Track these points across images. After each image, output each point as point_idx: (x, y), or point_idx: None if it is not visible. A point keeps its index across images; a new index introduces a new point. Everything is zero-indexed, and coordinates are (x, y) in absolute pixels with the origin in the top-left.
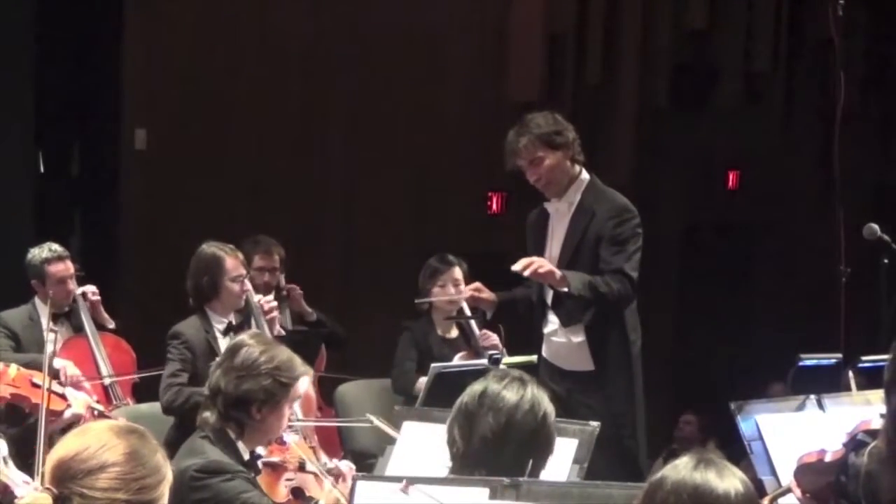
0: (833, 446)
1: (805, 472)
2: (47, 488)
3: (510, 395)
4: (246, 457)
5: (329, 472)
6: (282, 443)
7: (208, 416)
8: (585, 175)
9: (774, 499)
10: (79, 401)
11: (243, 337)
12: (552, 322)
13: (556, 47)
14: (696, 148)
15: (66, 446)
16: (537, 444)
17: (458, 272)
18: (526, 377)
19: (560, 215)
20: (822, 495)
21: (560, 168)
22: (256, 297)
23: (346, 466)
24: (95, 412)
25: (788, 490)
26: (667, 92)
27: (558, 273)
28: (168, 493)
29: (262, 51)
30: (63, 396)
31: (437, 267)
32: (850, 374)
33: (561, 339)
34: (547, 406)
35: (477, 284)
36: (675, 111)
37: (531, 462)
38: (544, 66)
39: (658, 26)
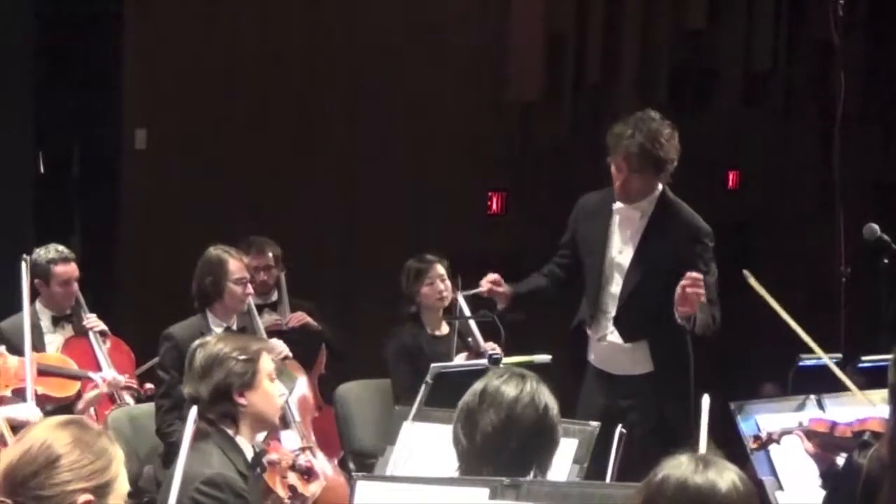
0: (843, 420)
1: (811, 435)
2: (1, 501)
3: (509, 389)
4: (249, 453)
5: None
6: (275, 439)
7: (203, 424)
8: (659, 185)
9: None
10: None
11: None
12: (604, 327)
13: (556, 47)
14: (696, 148)
15: (8, 455)
16: (540, 437)
17: (440, 268)
18: (526, 373)
19: (629, 221)
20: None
21: (647, 184)
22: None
23: (321, 465)
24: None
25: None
26: (666, 92)
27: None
28: (124, 471)
29: (262, 51)
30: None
31: (419, 267)
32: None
33: (610, 343)
34: (548, 399)
35: (496, 277)
36: (674, 111)
37: (536, 455)
38: (544, 66)
39: (658, 26)
